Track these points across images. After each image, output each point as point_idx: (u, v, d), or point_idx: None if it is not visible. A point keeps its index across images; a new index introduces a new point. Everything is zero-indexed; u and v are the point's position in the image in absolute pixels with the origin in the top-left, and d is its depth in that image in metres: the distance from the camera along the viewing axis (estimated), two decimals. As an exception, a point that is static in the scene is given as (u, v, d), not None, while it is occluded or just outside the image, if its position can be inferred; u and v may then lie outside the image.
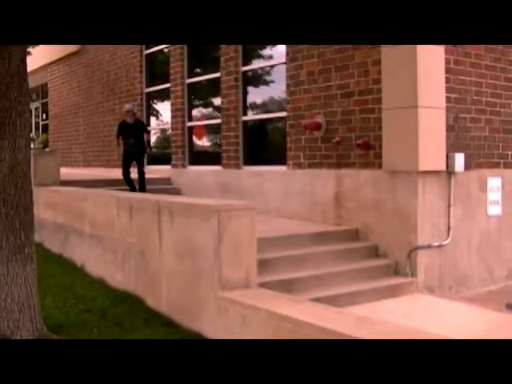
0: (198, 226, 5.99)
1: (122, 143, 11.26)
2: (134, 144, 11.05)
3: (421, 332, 4.45)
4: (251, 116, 11.05)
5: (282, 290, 6.21)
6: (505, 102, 8.76)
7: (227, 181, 10.87)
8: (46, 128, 21.76)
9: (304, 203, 9.16)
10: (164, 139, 14.30)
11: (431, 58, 7.58)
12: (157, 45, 13.73)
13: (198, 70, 12.79)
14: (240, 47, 10.84)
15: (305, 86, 9.21)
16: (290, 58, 9.48)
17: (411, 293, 7.55)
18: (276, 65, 10.28)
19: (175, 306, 6.42)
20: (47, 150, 17.73)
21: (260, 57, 10.98)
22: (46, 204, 10.00)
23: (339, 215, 8.59)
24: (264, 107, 10.99)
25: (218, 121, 11.44)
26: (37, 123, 23.29)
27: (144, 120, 13.54)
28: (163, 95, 13.72)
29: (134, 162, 11.16)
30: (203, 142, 13.00)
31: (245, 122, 10.93)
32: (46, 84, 20.84)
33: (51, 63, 19.81)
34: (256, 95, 11.08)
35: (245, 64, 10.91)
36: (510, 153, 8.87)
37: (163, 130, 14.27)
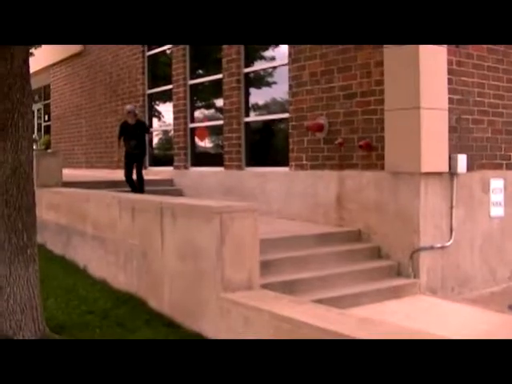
0: (201, 227, 5.99)
1: (123, 145, 11.23)
2: (135, 145, 11.02)
3: (423, 333, 4.44)
4: (253, 117, 11.05)
5: (284, 291, 6.20)
6: (507, 103, 8.75)
7: (229, 182, 10.87)
8: (48, 129, 21.79)
9: (306, 204, 9.16)
10: (166, 141, 14.30)
11: (434, 60, 7.58)
12: (159, 45, 13.74)
13: (200, 72, 12.80)
14: (242, 48, 10.84)
15: (307, 87, 9.21)
16: (293, 59, 9.49)
17: (413, 294, 7.54)
18: (278, 66, 10.27)
19: (177, 307, 6.42)
20: (49, 151, 17.73)
21: (262, 58, 10.98)
22: (49, 205, 10.01)
23: (341, 216, 8.59)
24: (266, 108, 10.99)
25: (220, 122, 11.44)
26: (39, 124, 23.32)
27: (146, 121, 13.54)
28: (165, 96, 13.72)
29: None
30: (205, 144, 13.00)
31: (247, 124, 10.93)
32: (49, 85, 20.87)
33: (54, 64, 19.85)
34: (258, 96, 11.08)
35: (247, 65, 10.91)
36: (512, 154, 8.87)
37: (165, 132, 14.27)
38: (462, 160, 7.87)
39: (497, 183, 8.57)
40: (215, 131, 12.19)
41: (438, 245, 7.78)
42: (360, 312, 6.04)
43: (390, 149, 7.81)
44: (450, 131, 7.86)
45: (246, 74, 10.93)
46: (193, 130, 12.62)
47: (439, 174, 7.76)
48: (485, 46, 8.34)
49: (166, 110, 13.76)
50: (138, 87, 14.42)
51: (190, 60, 12.53)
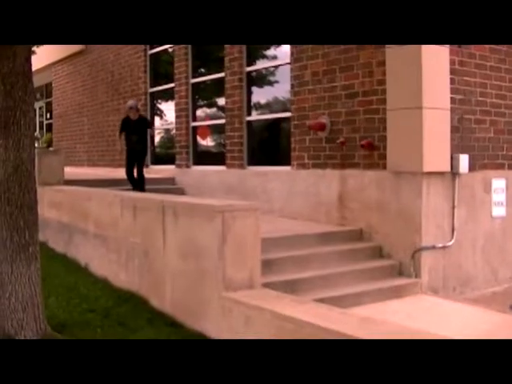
0: (202, 226, 5.99)
1: (124, 139, 11.18)
2: (137, 140, 10.92)
3: (424, 333, 4.44)
4: (255, 116, 11.05)
5: (286, 290, 6.20)
6: (509, 103, 8.74)
7: (231, 181, 10.87)
8: (50, 127, 21.79)
9: (308, 203, 9.15)
10: (168, 139, 14.31)
11: (436, 59, 7.57)
12: (161, 45, 13.74)
13: (203, 70, 12.80)
14: (244, 47, 10.84)
15: (309, 86, 9.20)
16: (295, 58, 9.48)
17: (415, 294, 7.54)
18: (280, 65, 10.27)
19: (179, 306, 6.42)
20: (51, 149, 17.75)
21: (264, 57, 10.97)
22: (51, 203, 10.01)
23: (343, 216, 8.58)
24: (268, 107, 10.98)
25: (222, 121, 11.44)
26: (41, 122, 23.33)
27: (148, 118, 13.53)
28: (167, 95, 13.72)
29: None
30: (207, 142, 13.00)
31: (249, 123, 10.93)
32: (51, 83, 20.87)
33: (56, 63, 19.84)
34: (260, 95, 11.08)
35: (249, 64, 10.91)
36: (514, 154, 8.87)
37: (167, 130, 14.28)
38: (463, 160, 7.86)
39: (499, 183, 8.56)
40: (217, 130, 12.18)
41: (440, 244, 7.78)
42: (362, 311, 6.05)
43: (392, 148, 7.80)
44: (452, 131, 7.85)
45: (248, 73, 10.92)
46: (195, 128, 12.62)
47: (441, 173, 7.75)
48: (487, 45, 8.33)
49: (168, 108, 13.76)
50: (140, 85, 14.41)
51: (192, 58, 12.52)
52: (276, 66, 10.53)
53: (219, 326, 5.70)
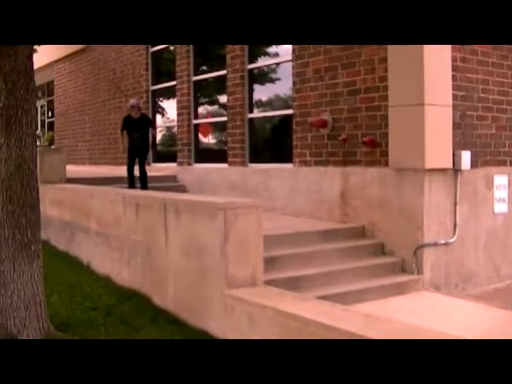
0: (204, 223, 5.99)
1: (126, 137, 11.17)
2: (139, 138, 10.95)
3: (425, 330, 4.44)
4: (257, 114, 11.04)
5: (288, 287, 6.21)
6: (511, 99, 8.73)
7: (233, 178, 10.87)
8: (51, 125, 21.80)
9: (310, 201, 9.15)
10: (170, 137, 14.31)
11: (438, 56, 7.56)
12: (162, 44, 13.73)
13: (204, 68, 12.79)
14: (246, 45, 10.82)
15: (311, 83, 9.20)
16: (296, 55, 9.47)
17: (417, 290, 7.53)
18: (282, 62, 10.27)
19: (182, 304, 6.42)
20: (53, 147, 17.75)
21: (266, 54, 10.96)
22: (53, 201, 10.02)
23: (345, 213, 8.58)
24: (270, 105, 10.98)
25: (224, 118, 11.44)
26: (43, 121, 23.35)
27: (150, 116, 13.53)
28: (169, 93, 13.72)
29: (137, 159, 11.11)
30: (209, 140, 13.00)
31: (251, 120, 10.93)
32: (52, 82, 20.88)
33: (57, 61, 19.84)
34: (262, 93, 11.08)
35: (251, 62, 10.90)
36: (516, 150, 8.85)
37: (169, 128, 14.28)
38: (466, 156, 7.86)
39: (501, 180, 8.56)
40: (219, 127, 12.18)
41: (442, 241, 7.78)
42: (364, 308, 6.04)
43: (394, 145, 7.80)
44: (454, 128, 7.84)
45: (250, 71, 10.92)
46: (196, 126, 12.62)
47: (443, 170, 7.75)
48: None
49: (170, 106, 13.76)
50: (142, 83, 14.42)
51: (194, 56, 12.52)
52: (278, 64, 10.52)
53: (222, 324, 5.70)
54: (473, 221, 8.20)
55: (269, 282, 6.10)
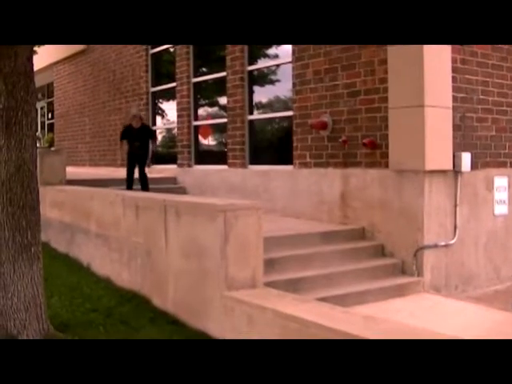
0: (205, 225, 5.99)
1: (126, 146, 11.12)
2: (139, 147, 10.92)
3: (426, 331, 4.44)
4: (257, 115, 11.04)
5: (288, 289, 6.20)
6: (511, 101, 8.73)
7: (233, 180, 10.86)
8: (51, 127, 21.82)
9: (310, 202, 9.15)
10: (170, 138, 14.31)
11: (438, 58, 7.56)
12: (162, 45, 13.73)
13: (204, 70, 12.80)
14: (246, 46, 10.83)
15: (311, 85, 9.20)
16: (296, 57, 9.47)
17: (417, 292, 7.53)
18: (282, 64, 10.26)
19: (181, 306, 6.42)
20: (53, 149, 17.76)
21: (266, 56, 10.96)
22: (53, 203, 10.02)
23: (345, 214, 8.58)
24: (270, 106, 10.98)
25: (224, 120, 11.44)
26: (42, 122, 23.35)
27: (150, 121, 13.55)
28: (169, 94, 13.72)
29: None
30: (209, 142, 13.00)
31: (251, 122, 10.93)
32: (52, 83, 20.88)
33: (57, 62, 19.85)
34: (262, 94, 11.08)
35: (251, 63, 10.90)
36: (516, 152, 8.86)
37: (169, 130, 14.28)
38: (466, 158, 7.86)
39: (501, 181, 8.56)
40: (219, 129, 12.18)
41: (442, 243, 7.77)
42: (364, 310, 6.04)
43: (394, 147, 7.80)
44: (454, 129, 7.84)
45: (250, 72, 10.92)
46: (196, 127, 12.61)
47: (443, 172, 7.75)
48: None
49: (170, 107, 13.76)
50: (142, 85, 14.41)
51: (194, 58, 12.52)
52: (278, 65, 10.52)
53: (222, 325, 5.70)
54: (473, 222, 8.20)
55: (269, 284, 6.10)
